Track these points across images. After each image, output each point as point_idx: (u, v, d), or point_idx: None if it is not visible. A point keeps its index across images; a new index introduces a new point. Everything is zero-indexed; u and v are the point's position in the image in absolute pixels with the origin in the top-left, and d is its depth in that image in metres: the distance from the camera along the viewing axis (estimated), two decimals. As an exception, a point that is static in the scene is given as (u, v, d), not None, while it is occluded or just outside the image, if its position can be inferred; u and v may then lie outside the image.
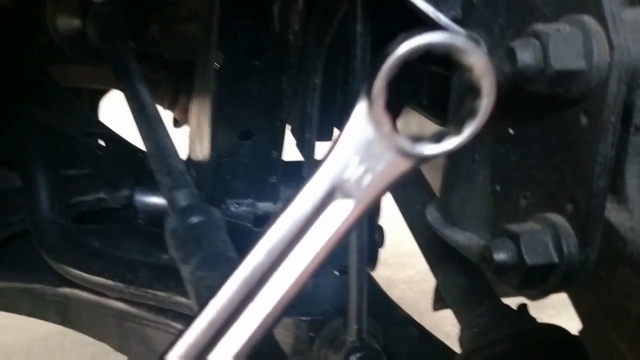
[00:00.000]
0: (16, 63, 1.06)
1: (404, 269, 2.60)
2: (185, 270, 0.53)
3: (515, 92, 0.48)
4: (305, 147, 0.83)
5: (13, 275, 0.93)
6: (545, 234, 0.46)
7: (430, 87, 1.14)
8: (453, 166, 0.58)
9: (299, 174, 1.12)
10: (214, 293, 0.41)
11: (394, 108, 1.09)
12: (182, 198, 0.60)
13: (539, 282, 0.47)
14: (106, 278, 0.79)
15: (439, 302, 1.03)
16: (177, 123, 1.62)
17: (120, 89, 0.81)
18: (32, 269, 0.92)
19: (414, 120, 1.39)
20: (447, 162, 0.59)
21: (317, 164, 0.33)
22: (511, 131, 0.52)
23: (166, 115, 1.49)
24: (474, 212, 0.57)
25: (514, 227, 0.48)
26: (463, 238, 0.57)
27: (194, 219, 0.57)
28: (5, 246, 0.93)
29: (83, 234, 0.91)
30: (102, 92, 1.59)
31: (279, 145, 0.98)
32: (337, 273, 0.97)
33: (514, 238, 0.47)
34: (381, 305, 0.90)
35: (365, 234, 0.66)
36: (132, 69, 0.80)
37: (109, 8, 0.93)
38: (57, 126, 1.03)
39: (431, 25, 0.51)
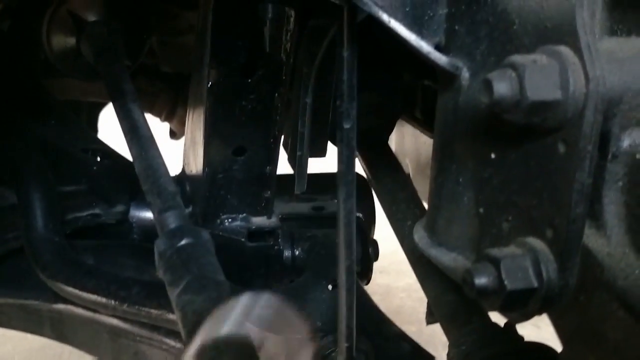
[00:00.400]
0: (13, 81, 1.07)
1: (402, 277, 2.61)
2: (173, 294, 0.54)
3: (494, 120, 0.49)
4: (297, 163, 0.83)
5: (8, 291, 0.93)
6: (525, 259, 0.47)
7: (423, 100, 1.15)
8: (439, 187, 0.59)
9: (293, 187, 1.13)
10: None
11: (388, 122, 1.08)
12: (172, 220, 0.61)
13: (520, 306, 0.48)
14: (99, 296, 0.80)
15: (432, 315, 1.04)
16: (174, 135, 1.63)
17: (114, 108, 0.82)
18: (27, 285, 0.93)
19: (408, 133, 1.41)
20: (433, 184, 0.60)
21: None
22: (493, 155, 0.53)
23: (162, 128, 1.50)
24: (459, 233, 0.57)
25: (495, 252, 0.48)
26: (448, 259, 0.58)
27: (183, 242, 0.58)
28: (0, 263, 0.94)
29: (78, 250, 0.92)
30: (101, 105, 1.60)
31: (272, 160, 0.99)
32: (330, 287, 0.98)
33: (495, 263, 0.47)
34: (373, 321, 0.91)
35: (354, 252, 0.66)
36: (126, 88, 0.80)
37: (104, 27, 0.94)
38: (54, 142, 1.04)
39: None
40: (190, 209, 1.02)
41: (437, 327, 0.93)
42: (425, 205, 0.93)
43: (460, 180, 0.56)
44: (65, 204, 0.97)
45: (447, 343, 0.73)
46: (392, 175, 0.95)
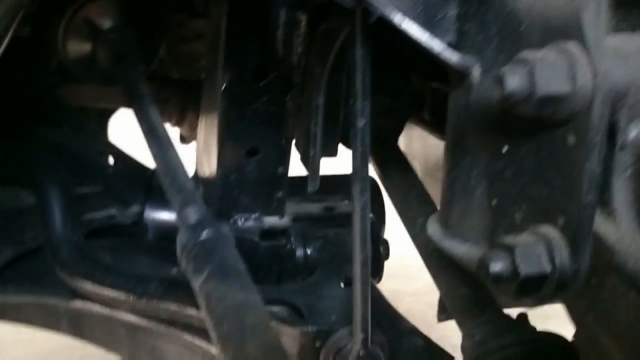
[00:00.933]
0: (29, 87, 1.10)
1: (410, 281, 2.61)
2: (197, 283, 0.56)
3: (505, 114, 0.51)
4: (310, 163, 0.86)
5: (27, 289, 0.95)
6: (538, 245, 0.49)
7: (432, 102, 1.17)
8: (452, 181, 0.61)
9: (304, 188, 1.15)
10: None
11: (397, 124, 1.11)
12: (193, 215, 0.63)
13: (534, 291, 0.50)
14: (118, 291, 0.82)
15: (444, 313, 1.06)
16: (184, 140, 1.66)
17: (132, 111, 0.85)
18: (45, 283, 0.95)
19: (416, 135, 1.43)
20: (446, 178, 0.62)
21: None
22: (505, 149, 0.55)
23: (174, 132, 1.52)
24: (473, 225, 0.59)
25: (509, 240, 0.51)
26: (462, 250, 0.60)
27: (204, 235, 0.60)
28: (19, 262, 0.96)
29: (94, 249, 0.94)
30: (110, 112, 1.62)
31: (284, 161, 1.01)
32: (342, 285, 1.00)
33: (509, 250, 0.49)
34: (386, 317, 0.93)
35: (369, 245, 0.68)
36: (143, 91, 0.83)
37: (120, 33, 0.96)
38: (68, 146, 1.06)
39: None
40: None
41: (447, 331, 0.95)
42: (437, 204, 0.95)
43: (473, 173, 0.58)
44: (82, 205, 0.99)
45: (456, 347, 0.75)
46: (402, 175, 0.97)
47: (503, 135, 0.54)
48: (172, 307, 0.81)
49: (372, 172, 1.15)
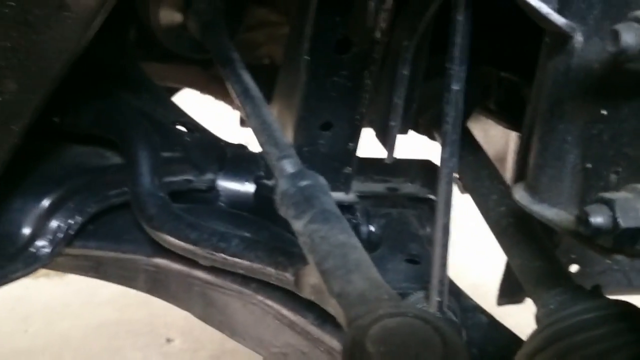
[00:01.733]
0: (114, 54, 1.15)
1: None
2: (299, 225, 0.59)
3: (613, 74, 0.53)
4: (388, 134, 0.88)
5: (108, 244, 1.00)
6: (637, 200, 0.51)
7: (498, 92, 1.19)
8: (544, 147, 0.63)
9: (368, 170, 1.18)
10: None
11: (467, 107, 1.12)
12: (290, 166, 0.67)
13: (631, 244, 0.51)
14: (201, 247, 0.86)
15: (503, 297, 1.06)
16: (243, 123, 1.71)
17: (223, 75, 0.89)
18: (125, 240, 1.00)
19: (477, 127, 1.44)
20: (538, 144, 0.64)
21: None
22: (604, 112, 0.57)
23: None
24: (562, 190, 0.61)
25: (608, 195, 0.52)
26: (552, 213, 0.62)
27: (303, 183, 0.63)
28: (101, 218, 1.01)
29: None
30: (173, 91, 1.68)
31: (355, 137, 1.04)
32: (405, 262, 1.02)
33: (609, 204, 0.51)
34: (452, 293, 0.95)
35: (450, 210, 0.71)
36: (234, 57, 0.87)
37: (209, 4, 1.01)
38: (149, 113, 1.11)
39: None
40: (273, 181, 1.08)
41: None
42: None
43: (568, 138, 0.60)
44: (162, 169, 1.04)
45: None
46: (474, 155, 0.99)
47: (603, 98, 0.56)
48: (253, 264, 0.84)
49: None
